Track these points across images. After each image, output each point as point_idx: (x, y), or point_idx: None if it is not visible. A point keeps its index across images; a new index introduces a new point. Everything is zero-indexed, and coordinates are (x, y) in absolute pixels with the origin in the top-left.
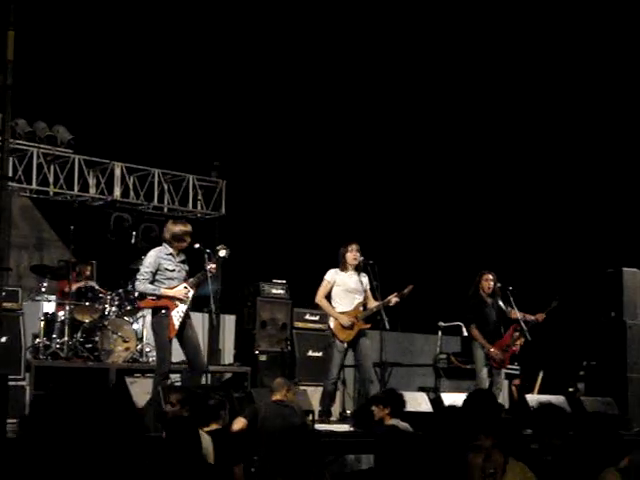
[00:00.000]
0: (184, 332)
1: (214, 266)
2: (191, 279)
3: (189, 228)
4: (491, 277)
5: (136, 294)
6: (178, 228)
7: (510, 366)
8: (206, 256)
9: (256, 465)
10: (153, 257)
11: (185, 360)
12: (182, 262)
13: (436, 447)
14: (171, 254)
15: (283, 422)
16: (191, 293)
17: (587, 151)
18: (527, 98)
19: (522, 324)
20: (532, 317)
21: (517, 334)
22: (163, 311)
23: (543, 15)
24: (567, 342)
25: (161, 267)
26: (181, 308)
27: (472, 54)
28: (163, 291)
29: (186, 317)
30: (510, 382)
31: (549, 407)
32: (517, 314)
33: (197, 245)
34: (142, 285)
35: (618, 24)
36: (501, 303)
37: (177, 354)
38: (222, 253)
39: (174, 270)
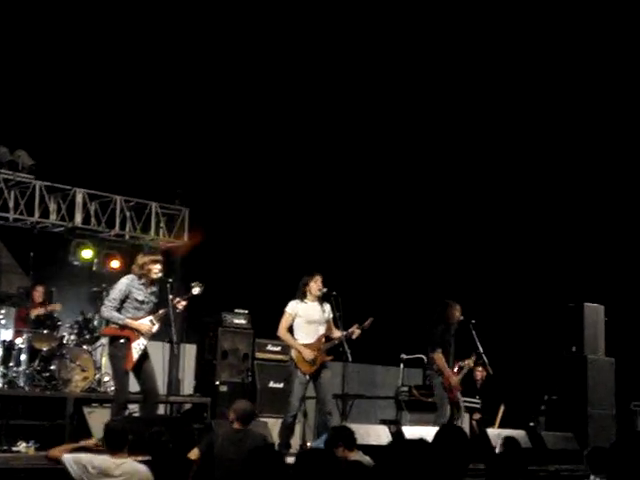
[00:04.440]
0: (141, 363)
1: (185, 303)
2: (157, 313)
3: (157, 257)
4: (459, 307)
5: (95, 322)
6: (145, 258)
7: (471, 399)
8: (168, 286)
9: None
10: (124, 285)
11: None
12: (152, 294)
13: None
14: (143, 284)
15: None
16: (156, 328)
17: (550, 185)
18: (489, 135)
19: (483, 357)
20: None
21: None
22: (122, 341)
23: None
24: (528, 376)
25: (131, 296)
26: (142, 341)
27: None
28: (128, 322)
29: (144, 349)
30: (470, 416)
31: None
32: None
33: (159, 274)
34: (108, 312)
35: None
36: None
37: (136, 384)
38: (196, 291)
39: (143, 301)
